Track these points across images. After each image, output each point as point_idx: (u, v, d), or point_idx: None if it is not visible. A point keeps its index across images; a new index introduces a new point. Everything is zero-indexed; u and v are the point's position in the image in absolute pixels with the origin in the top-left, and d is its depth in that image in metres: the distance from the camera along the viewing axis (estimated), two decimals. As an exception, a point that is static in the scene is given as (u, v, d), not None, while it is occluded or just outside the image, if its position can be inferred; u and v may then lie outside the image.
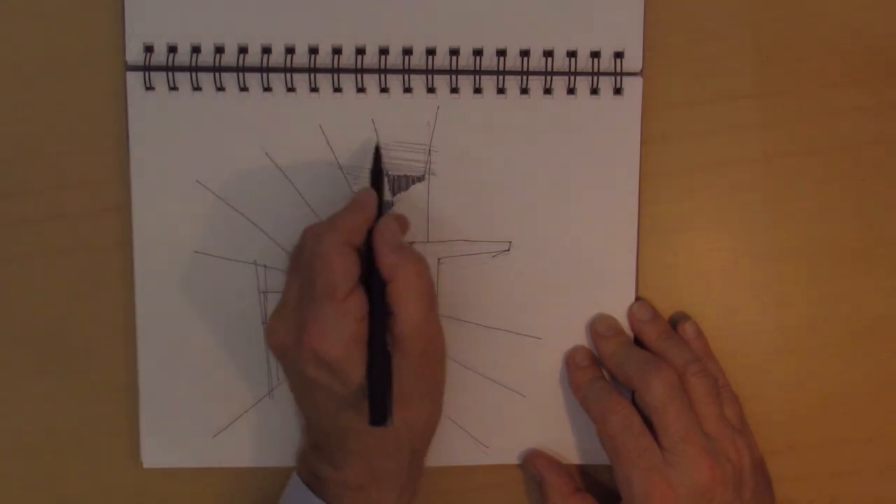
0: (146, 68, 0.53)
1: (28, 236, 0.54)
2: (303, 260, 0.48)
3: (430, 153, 0.54)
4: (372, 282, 0.48)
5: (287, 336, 0.48)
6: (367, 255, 0.48)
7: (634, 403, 0.51)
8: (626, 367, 0.52)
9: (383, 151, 0.53)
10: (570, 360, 0.54)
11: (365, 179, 0.54)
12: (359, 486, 0.50)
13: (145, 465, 0.55)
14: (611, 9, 0.53)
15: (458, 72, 0.53)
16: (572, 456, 0.55)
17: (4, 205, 0.54)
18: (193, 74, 0.53)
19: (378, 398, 0.46)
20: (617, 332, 0.54)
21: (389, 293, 0.47)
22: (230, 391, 0.55)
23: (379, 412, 0.46)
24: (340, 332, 0.46)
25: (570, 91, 0.53)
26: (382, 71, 0.53)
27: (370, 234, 0.48)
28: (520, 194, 0.54)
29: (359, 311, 0.47)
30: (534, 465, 0.54)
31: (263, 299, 0.54)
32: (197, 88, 0.53)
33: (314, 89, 0.53)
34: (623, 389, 0.53)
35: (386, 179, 0.54)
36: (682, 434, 0.49)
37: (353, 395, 0.47)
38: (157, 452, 0.55)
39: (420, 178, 0.54)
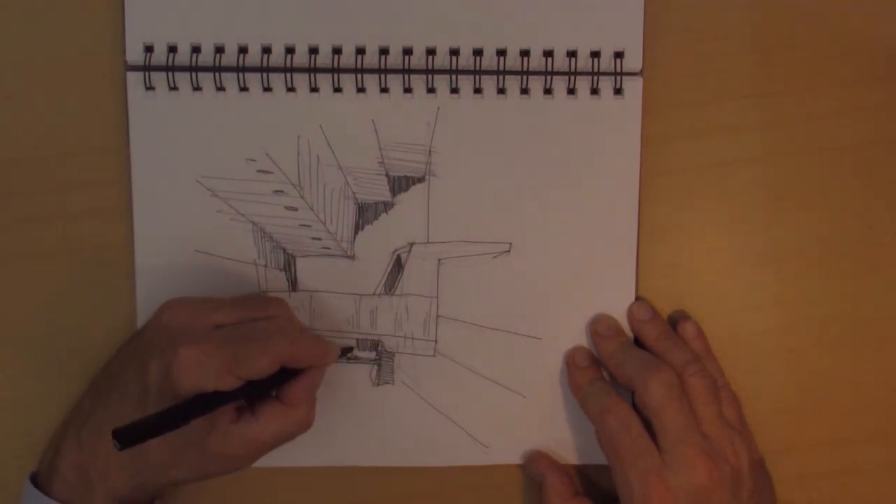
0: (146, 68, 0.53)
1: (28, 236, 0.54)
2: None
3: (430, 154, 0.54)
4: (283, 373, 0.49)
5: (184, 320, 0.49)
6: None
7: (634, 404, 0.51)
8: (626, 367, 0.52)
9: (383, 152, 0.54)
10: (570, 361, 0.54)
11: (365, 180, 0.54)
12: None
13: (145, 465, 0.55)
14: (611, 9, 0.53)
15: (458, 72, 0.53)
16: (572, 456, 0.55)
17: (4, 205, 0.54)
18: (193, 74, 0.53)
19: (143, 432, 0.44)
20: (617, 333, 0.54)
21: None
22: (230, 391, 0.55)
23: (128, 439, 0.43)
24: (212, 379, 0.46)
25: (571, 91, 0.53)
26: (382, 71, 0.53)
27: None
28: (520, 195, 0.54)
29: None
30: (536, 465, 0.54)
31: (263, 299, 0.54)
32: (197, 88, 0.53)
33: (314, 89, 0.53)
34: (623, 390, 0.53)
35: (387, 179, 0.54)
36: (681, 435, 0.49)
37: (138, 408, 0.48)
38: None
39: (420, 179, 0.54)
